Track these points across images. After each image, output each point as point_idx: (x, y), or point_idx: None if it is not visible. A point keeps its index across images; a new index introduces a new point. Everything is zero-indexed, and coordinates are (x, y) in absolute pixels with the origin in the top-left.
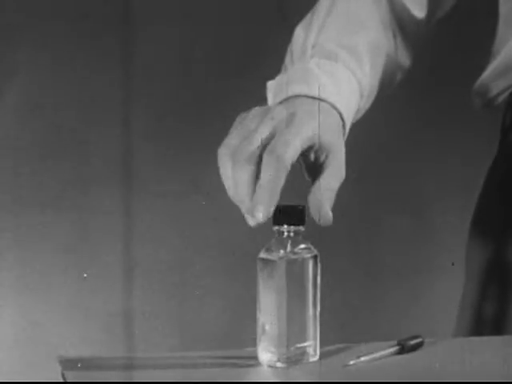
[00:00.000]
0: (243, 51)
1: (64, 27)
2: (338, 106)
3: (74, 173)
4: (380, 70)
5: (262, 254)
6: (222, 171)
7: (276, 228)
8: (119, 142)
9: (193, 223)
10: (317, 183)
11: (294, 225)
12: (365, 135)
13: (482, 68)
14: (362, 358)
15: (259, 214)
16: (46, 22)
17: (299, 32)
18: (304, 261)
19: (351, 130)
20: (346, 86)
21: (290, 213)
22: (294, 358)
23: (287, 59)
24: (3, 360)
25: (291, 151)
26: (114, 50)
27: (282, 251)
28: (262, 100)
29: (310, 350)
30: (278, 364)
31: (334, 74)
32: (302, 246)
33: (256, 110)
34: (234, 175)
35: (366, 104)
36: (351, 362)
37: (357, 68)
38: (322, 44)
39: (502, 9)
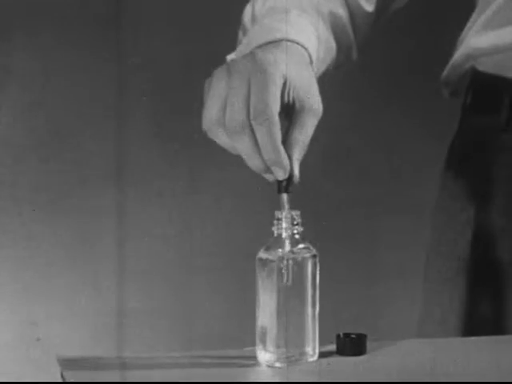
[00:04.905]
0: None
1: (60, 27)
2: (306, 44)
3: (72, 173)
4: (331, 37)
5: (262, 254)
6: (221, 143)
7: (276, 227)
8: (116, 142)
9: (192, 223)
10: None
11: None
12: (358, 137)
13: (451, 55)
14: None
15: (279, 173)
16: (42, 23)
17: (247, 8)
18: (303, 260)
19: (344, 135)
20: (308, 29)
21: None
22: (294, 358)
23: (240, 34)
24: (3, 360)
25: (272, 105)
26: (109, 50)
27: (280, 251)
28: None
29: (310, 350)
30: (278, 364)
31: (296, 23)
32: (301, 245)
33: (219, 72)
34: (236, 146)
35: (322, 64)
36: None
37: (314, 22)
38: (271, 7)
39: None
